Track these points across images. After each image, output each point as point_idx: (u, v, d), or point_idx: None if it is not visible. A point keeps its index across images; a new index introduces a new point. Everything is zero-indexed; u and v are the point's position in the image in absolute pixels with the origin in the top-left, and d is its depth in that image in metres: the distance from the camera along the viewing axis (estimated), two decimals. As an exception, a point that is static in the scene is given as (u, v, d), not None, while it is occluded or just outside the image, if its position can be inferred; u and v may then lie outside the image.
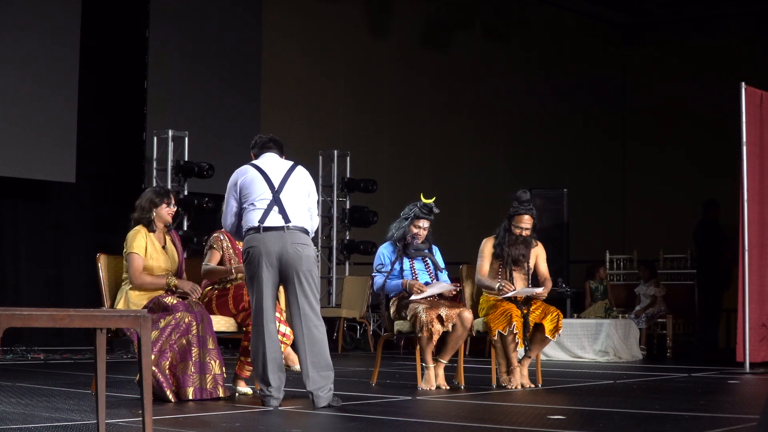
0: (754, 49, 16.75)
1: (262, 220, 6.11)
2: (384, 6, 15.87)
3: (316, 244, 14.02)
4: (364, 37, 15.58)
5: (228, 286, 6.95)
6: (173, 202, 6.84)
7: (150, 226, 6.71)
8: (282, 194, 6.15)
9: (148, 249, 6.64)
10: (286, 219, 6.11)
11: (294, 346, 6.25)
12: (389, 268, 7.49)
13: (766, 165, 9.44)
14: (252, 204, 6.15)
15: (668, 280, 12.63)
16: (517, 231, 7.50)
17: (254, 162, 6.35)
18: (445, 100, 16.59)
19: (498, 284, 7.37)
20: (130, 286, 6.62)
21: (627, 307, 12.34)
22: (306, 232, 6.19)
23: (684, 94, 17.93)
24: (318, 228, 13.81)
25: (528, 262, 7.57)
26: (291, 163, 6.35)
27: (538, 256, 7.64)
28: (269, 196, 6.14)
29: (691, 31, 18.15)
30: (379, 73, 15.76)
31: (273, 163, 6.31)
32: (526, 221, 7.50)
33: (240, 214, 6.25)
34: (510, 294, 7.32)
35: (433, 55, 16.40)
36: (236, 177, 6.29)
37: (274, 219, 6.11)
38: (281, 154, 6.43)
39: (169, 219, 6.81)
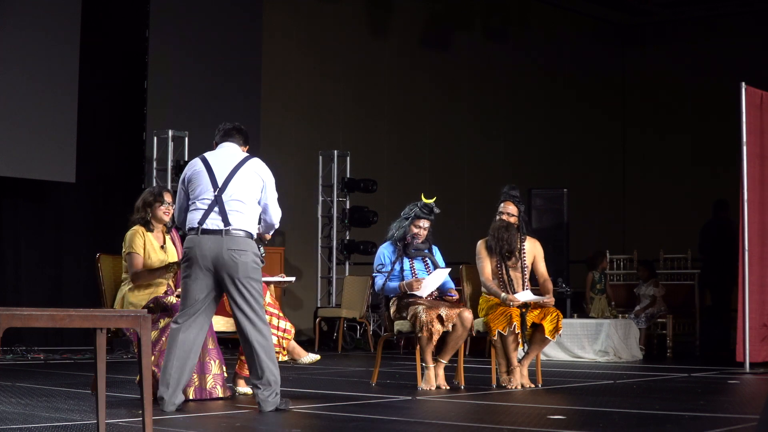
0: (754, 49, 16.74)
1: (201, 221, 5.91)
2: (384, 6, 15.87)
3: (315, 244, 14.07)
4: (364, 37, 15.58)
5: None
6: (169, 201, 6.83)
7: (147, 226, 6.73)
8: (225, 194, 5.92)
9: (147, 248, 6.65)
10: (226, 222, 5.88)
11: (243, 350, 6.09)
12: (389, 268, 7.48)
13: (766, 165, 9.43)
14: (194, 203, 5.98)
15: (668, 280, 12.61)
16: (504, 217, 7.58)
17: (206, 154, 6.13)
18: (445, 100, 16.58)
19: (504, 295, 7.37)
20: (130, 286, 6.63)
21: (627, 307, 12.33)
22: (250, 235, 5.94)
23: (684, 94, 17.93)
24: (318, 227, 14.05)
25: (524, 260, 7.56)
26: (244, 156, 6.09)
27: (536, 255, 7.65)
28: (211, 195, 5.93)
29: (691, 31, 18.14)
30: (379, 73, 15.76)
31: (225, 156, 6.09)
32: (507, 207, 7.59)
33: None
34: (517, 304, 7.31)
35: (433, 55, 16.40)
36: (186, 170, 6.12)
37: (213, 221, 5.89)
38: (243, 144, 6.20)
39: (166, 218, 6.81)
